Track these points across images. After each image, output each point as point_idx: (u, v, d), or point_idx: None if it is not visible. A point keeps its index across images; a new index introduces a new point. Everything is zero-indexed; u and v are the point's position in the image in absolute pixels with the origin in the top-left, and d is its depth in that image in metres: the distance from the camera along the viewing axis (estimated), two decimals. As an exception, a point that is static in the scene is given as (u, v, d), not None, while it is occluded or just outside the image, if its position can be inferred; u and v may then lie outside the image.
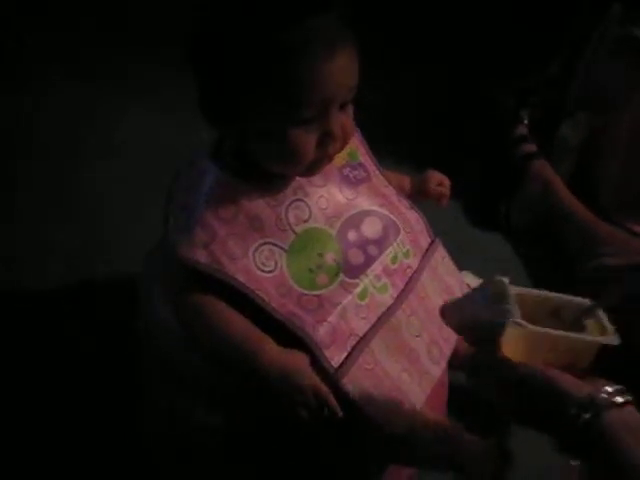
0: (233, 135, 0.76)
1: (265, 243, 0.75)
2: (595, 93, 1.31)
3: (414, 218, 0.86)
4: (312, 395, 0.70)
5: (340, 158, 0.81)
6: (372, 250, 0.79)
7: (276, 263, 0.74)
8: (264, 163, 0.75)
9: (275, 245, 0.75)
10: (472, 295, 0.67)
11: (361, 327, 0.76)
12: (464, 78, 1.53)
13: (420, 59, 1.65)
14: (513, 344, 0.58)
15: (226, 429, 0.80)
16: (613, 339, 0.58)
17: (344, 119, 0.72)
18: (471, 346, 0.66)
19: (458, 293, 0.86)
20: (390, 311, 0.78)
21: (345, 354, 0.73)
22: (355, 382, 0.72)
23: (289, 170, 0.76)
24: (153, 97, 1.52)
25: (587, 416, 0.53)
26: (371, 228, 0.80)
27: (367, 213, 0.81)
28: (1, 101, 1.51)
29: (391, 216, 0.82)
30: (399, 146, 1.31)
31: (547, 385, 0.56)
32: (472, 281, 1.03)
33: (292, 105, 0.68)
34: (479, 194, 1.37)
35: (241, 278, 0.72)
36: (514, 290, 0.61)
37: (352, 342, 0.74)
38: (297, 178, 0.78)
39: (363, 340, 0.75)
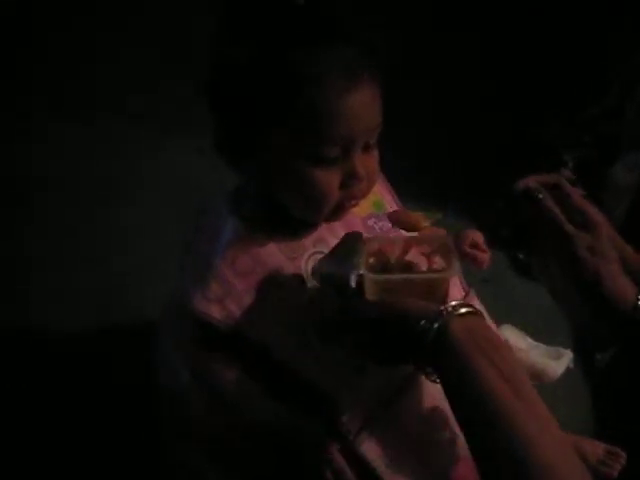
0: (253, 176, 0.75)
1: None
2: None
3: (445, 269, 0.84)
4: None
5: (364, 208, 0.80)
6: None
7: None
8: (288, 208, 0.74)
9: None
10: (332, 251, 0.70)
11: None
12: (508, 120, 1.50)
13: (458, 103, 1.64)
14: (366, 292, 0.65)
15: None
16: (450, 273, 0.67)
17: (369, 160, 0.72)
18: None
19: None
20: None
21: (365, 417, 0.71)
22: (376, 449, 0.71)
23: (313, 214, 0.74)
24: (186, 137, 1.54)
25: (435, 326, 0.59)
26: None
27: None
28: (29, 140, 1.56)
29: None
30: (432, 192, 1.29)
31: (400, 310, 0.62)
32: (512, 334, 1.00)
33: (313, 144, 0.67)
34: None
35: (256, 335, 0.72)
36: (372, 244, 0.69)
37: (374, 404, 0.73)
38: (318, 229, 0.77)
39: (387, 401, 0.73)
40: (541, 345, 0.97)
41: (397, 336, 0.63)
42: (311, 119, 0.66)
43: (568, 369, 0.95)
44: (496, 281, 0.94)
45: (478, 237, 0.89)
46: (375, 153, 0.73)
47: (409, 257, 0.69)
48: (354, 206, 0.75)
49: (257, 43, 0.68)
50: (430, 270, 0.69)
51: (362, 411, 0.72)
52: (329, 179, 0.69)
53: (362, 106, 0.68)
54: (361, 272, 0.65)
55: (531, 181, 0.70)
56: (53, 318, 1.23)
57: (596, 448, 0.94)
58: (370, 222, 0.82)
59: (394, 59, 1.53)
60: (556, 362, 0.95)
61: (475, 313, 0.62)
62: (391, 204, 0.85)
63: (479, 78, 1.63)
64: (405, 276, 0.67)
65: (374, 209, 0.83)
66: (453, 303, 0.61)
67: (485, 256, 0.89)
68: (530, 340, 1.00)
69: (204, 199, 0.82)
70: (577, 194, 0.69)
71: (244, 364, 0.73)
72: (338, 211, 0.74)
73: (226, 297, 0.72)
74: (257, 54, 0.67)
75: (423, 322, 0.60)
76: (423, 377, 0.72)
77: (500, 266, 1.28)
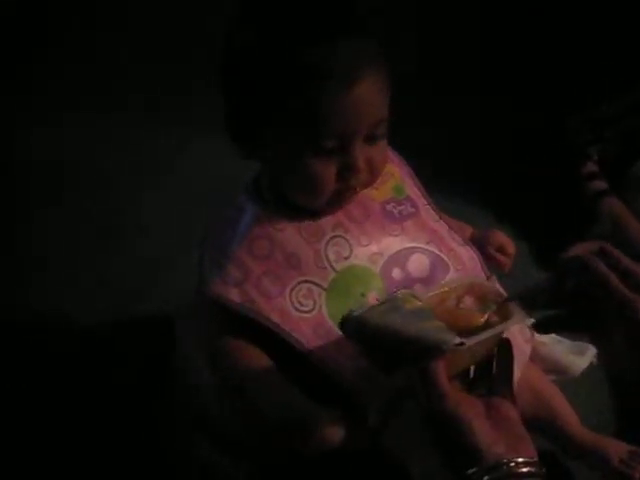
0: (259, 160, 0.77)
1: (303, 281, 0.74)
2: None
3: (467, 255, 0.84)
4: None
5: (383, 193, 0.82)
6: (419, 289, 0.78)
7: (315, 303, 0.74)
8: (288, 193, 0.76)
9: (314, 284, 0.75)
10: (385, 309, 0.66)
11: None
12: (528, 109, 1.50)
13: (482, 87, 1.64)
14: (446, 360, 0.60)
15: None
16: (517, 319, 0.64)
17: (372, 153, 0.73)
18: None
19: (518, 336, 0.83)
20: None
21: (387, 410, 0.71)
22: (398, 437, 0.70)
23: (310, 201, 0.76)
24: (186, 137, 1.54)
25: (486, 479, 0.54)
26: (417, 266, 0.79)
27: (413, 250, 0.80)
28: (55, 132, 1.56)
29: (439, 253, 0.81)
30: (454, 182, 1.29)
31: (463, 430, 0.57)
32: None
33: (311, 134, 0.69)
34: (546, 234, 1.33)
35: (275, 318, 0.72)
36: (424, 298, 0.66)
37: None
38: (337, 213, 0.78)
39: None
40: (565, 340, 0.97)
41: (451, 450, 0.58)
42: (309, 111, 0.68)
43: (591, 365, 0.94)
44: (518, 275, 0.94)
45: (503, 240, 0.91)
46: (382, 144, 0.74)
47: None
48: (354, 194, 0.77)
49: (266, 30, 0.70)
50: (496, 320, 0.65)
51: (383, 403, 0.71)
52: (325, 170, 0.71)
53: (362, 101, 0.69)
54: (459, 341, 0.58)
55: (579, 249, 0.65)
56: (53, 319, 1.22)
57: (619, 448, 0.93)
58: (389, 207, 0.82)
59: (410, 59, 1.56)
60: (579, 358, 0.94)
61: (537, 476, 0.56)
62: (412, 189, 0.85)
63: (501, 70, 1.63)
64: (491, 333, 0.63)
65: (394, 194, 0.83)
66: (520, 460, 0.55)
67: (508, 260, 0.90)
68: (553, 335, 0.99)
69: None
70: (624, 256, 0.64)
71: (262, 349, 0.73)
72: (336, 200, 0.76)
73: (245, 281, 0.73)
74: (265, 41, 0.69)
75: (473, 470, 0.55)
76: None
77: (522, 259, 1.28)
